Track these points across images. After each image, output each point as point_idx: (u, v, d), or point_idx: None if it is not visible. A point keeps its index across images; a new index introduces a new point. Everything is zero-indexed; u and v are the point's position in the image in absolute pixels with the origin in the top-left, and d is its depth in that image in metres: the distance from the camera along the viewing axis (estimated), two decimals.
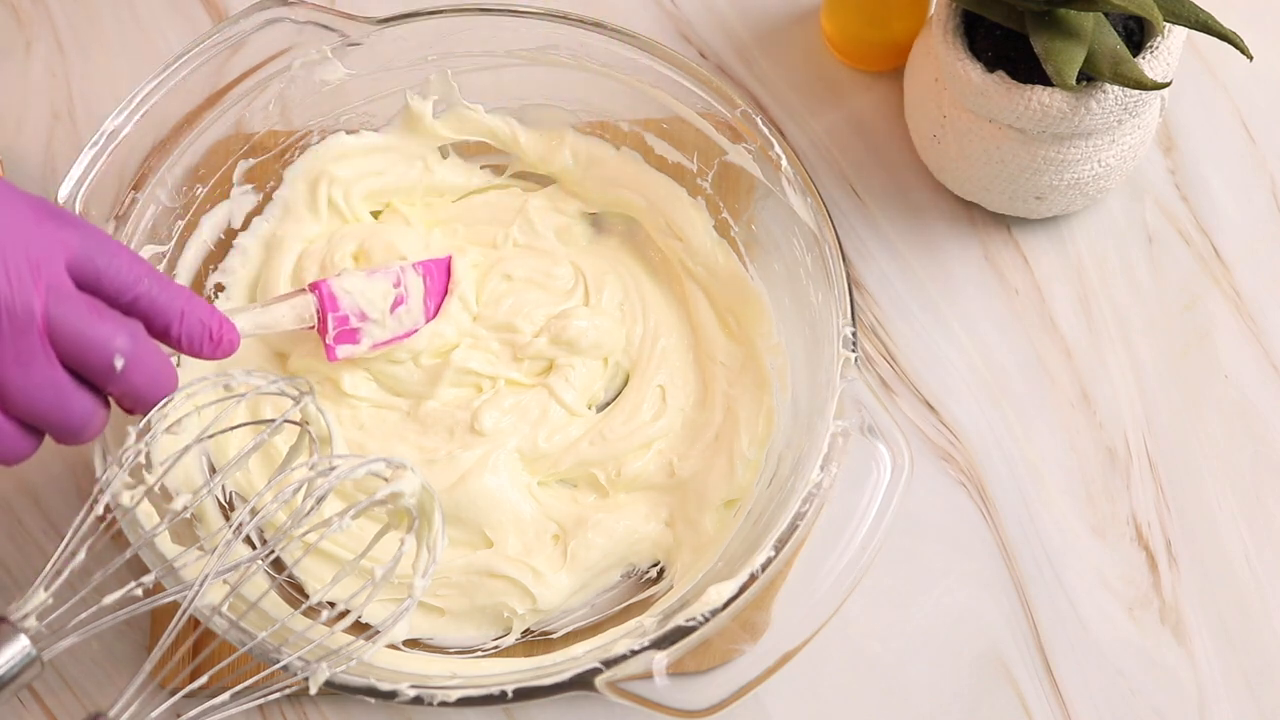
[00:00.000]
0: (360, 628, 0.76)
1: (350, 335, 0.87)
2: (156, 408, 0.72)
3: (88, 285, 0.68)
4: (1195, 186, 0.97)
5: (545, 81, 0.92)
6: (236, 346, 0.75)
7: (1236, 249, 0.95)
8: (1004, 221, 0.96)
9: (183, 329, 0.72)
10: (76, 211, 0.82)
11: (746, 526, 0.83)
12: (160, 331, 0.72)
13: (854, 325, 0.80)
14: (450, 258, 0.91)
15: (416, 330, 0.89)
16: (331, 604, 0.77)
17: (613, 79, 0.90)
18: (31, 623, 0.68)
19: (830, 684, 0.85)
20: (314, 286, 0.86)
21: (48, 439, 0.70)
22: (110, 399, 0.71)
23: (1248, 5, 1.00)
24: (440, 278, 0.90)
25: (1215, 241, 0.96)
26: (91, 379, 0.69)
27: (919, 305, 0.94)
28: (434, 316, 0.89)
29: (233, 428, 0.83)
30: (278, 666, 0.73)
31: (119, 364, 0.68)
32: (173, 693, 0.78)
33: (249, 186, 0.92)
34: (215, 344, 0.74)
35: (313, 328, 0.86)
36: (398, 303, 0.88)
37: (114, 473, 0.72)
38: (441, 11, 0.89)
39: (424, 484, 0.75)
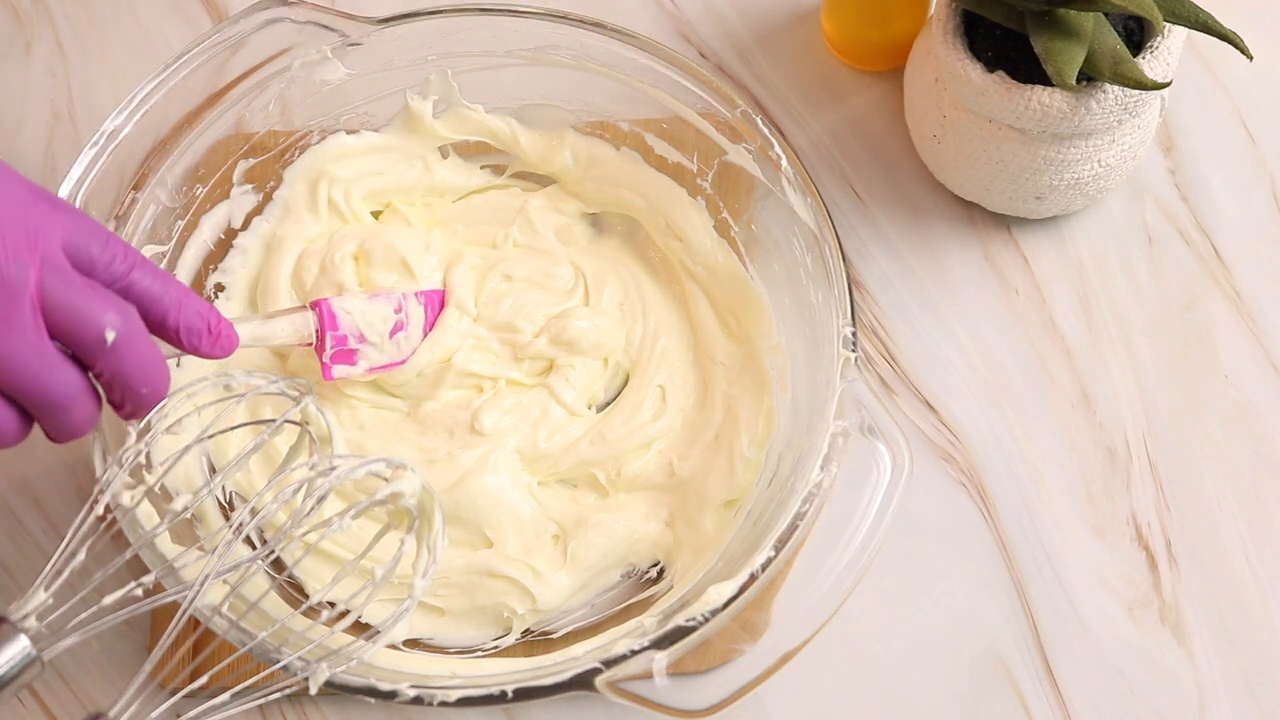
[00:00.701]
0: (360, 628, 0.76)
1: (347, 356, 0.87)
2: (155, 409, 0.71)
3: (82, 269, 0.67)
4: (1195, 186, 0.97)
5: (545, 81, 0.92)
6: (235, 345, 0.75)
7: (1236, 249, 0.95)
8: (1004, 221, 0.96)
9: (180, 319, 0.71)
10: None
11: (746, 526, 0.83)
12: (157, 320, 0.70)
13: (854, 325, 0.80)
14: (445, 290, 0.91)
15: (411, 356, 0.88)
16: (331, 604, 0.77)
17: (613, 79, 0.90)
18: (31, 623, 0.68)
19: (830, 684, 0.85)
20: (315, 304, 0.86)
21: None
22: (102, 396, 0.69)
23: (1248, 5, 1.00)
24: (435, 308, 0.90)
25: (1215, 241, 0.96)
26: (81, 354, 0.67)
27: (919, 305, 0.94)
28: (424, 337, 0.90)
29: (233, 428, 0.83)
30: (278, 666, 0.73)
31: (110, 337, 0.66)
32: (173, 693, 0.79)
33: (249, 186, 0.92)
34: (214, 338, 0.73)
35: (310, 345, 0.86)
36: (397, 328, 0.88)
37: (114, 473, 0.72)
38: (441, 11, 0.89)
39: (424, 484, 0.75)
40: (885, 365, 0.93)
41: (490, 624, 0.86)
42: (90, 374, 0.68)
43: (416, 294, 0.89)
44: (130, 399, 0.70)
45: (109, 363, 0.67)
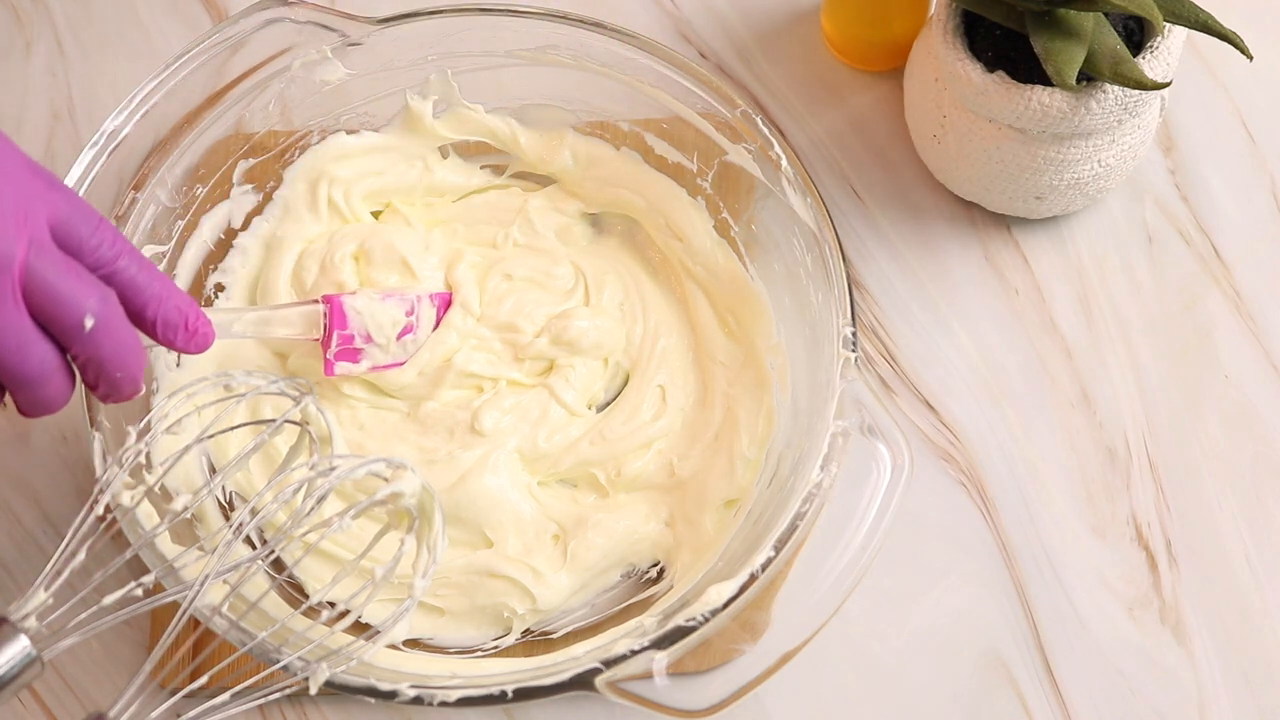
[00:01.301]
0: (360, 628, 0.76)
1: (352, 354, 0.87)
2: (156, 408, 0.71)
3: (68, 250, 0.68)
4: (1195, 186, 0.97)
5: (545, 81, 0.92)
6: (211, 341, 0.74)
7: (1236, 249, 0.95)
8: (1004, 221, 0.96)
9: (159, 312, 0.71)
10: None
11: (746, 526, 0.83)
12: (136, 311, 0.70)
13: (854, 325, 0.80)
14: (451, 294, 0.91)
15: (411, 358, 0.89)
16: (331, 604, 0.77)
17: (613, 79, 0.90)
18: (31, 623, 0.68)
19: (830, 684, 0.85)
20: (327, 299, 0.86)
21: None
22: (77, 375, 0.69)
23: (1248, 5, 1.00)
24: (443, 311, 0.90)
25: (1215, 241, 0.96)
26: (59, 336, 0.67)
27: (919, 305, 0.94)
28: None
29: (233, 428, 0.83)
30: (278, 666, 0.73)
31: (89, 323, 0.67)
32: (173, 693, 0.79)
33: (249, 186, 0.92)
34: (190, 335, 0.72)
35: (317, 340, 0.86)
36: (406, 330, 0.88)
37: (114, 473, 0.72)
38: (441, 11, 0.89)
39: (424, 484, 0.75)
40: (885, 365, 0.93)
41: (490, 624, 0.86)
42: (67, 354, 0.69)
43: (431, 296, 0.89)
44: (105, 382, 0.70)
45: (86, 347, 0.68)
